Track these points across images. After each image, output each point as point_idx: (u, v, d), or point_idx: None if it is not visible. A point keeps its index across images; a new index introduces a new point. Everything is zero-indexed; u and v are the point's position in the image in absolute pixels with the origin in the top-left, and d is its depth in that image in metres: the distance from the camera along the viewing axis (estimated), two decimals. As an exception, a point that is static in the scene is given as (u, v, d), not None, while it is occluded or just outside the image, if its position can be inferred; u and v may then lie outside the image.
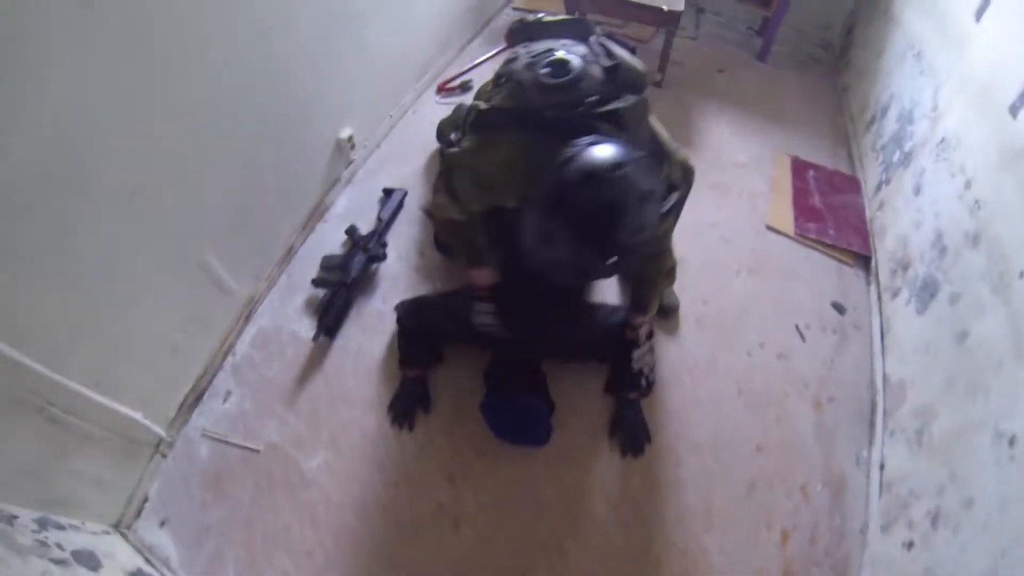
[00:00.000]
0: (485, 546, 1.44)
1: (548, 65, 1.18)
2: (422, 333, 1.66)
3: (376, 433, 1.60)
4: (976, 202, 1.48)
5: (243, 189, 1.63)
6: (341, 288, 1.82)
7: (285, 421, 1.62)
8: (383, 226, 2.01)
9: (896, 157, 2.07)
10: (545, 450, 1.56)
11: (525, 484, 1.53)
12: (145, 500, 1.51)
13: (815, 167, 2.39)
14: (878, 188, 2.18)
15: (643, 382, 1.61)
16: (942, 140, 1.75)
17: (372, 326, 1.81)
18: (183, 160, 1.34)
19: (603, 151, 1.00)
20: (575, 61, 1.18)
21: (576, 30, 1.38)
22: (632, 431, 1.60)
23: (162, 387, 1.54)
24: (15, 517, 1.25)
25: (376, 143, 2.34)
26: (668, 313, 1.87)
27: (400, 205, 2.12)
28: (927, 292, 1.64)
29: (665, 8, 2.36)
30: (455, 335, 1.65)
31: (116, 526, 1.49)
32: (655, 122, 1.29)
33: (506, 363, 1.58)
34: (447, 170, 1.40)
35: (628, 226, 0.97)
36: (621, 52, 1.24)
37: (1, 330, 1.00)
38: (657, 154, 1.21)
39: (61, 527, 1.35)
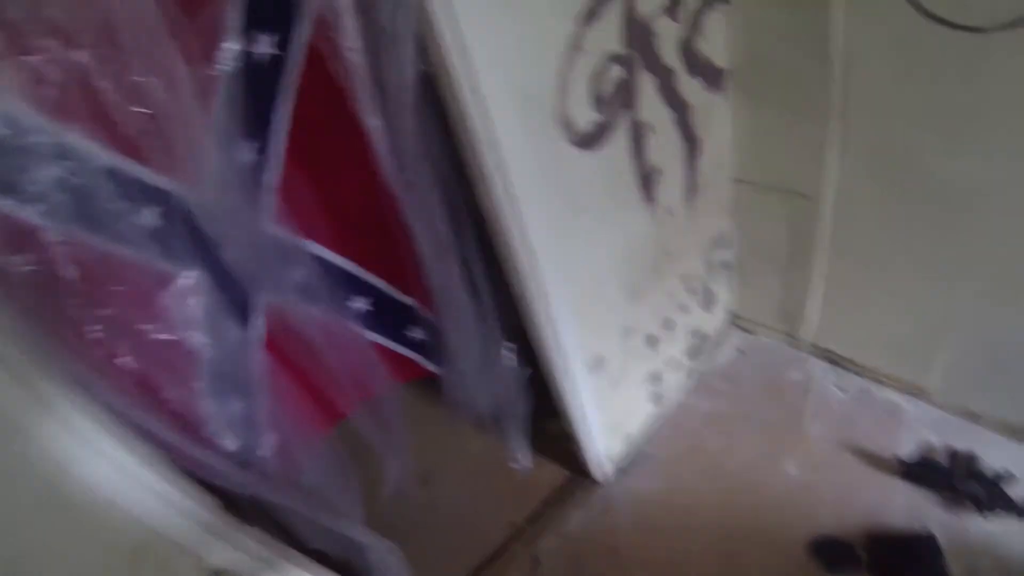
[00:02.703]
0: None
1: None
2: (905, 559, 1.50)
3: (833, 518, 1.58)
4: None
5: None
6: (950, 476, 1.64)
7: (828, 437, 1.73)
8: (1018, 507, 1.60)
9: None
10: None
11: None
12: (751, 332, 2.01)
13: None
14: None
15: None
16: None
17: (912, 513, 1.59)
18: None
19: None
20: None
21: None
22: None
23: (851, 337, 1.84)
24: (728, 243, 1.82)
25: None
26: None
27: None
28: None
29: None
30: None
31: (734, 316, 2.03)
32: None
33: None
34: None
35: None
36: None
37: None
38: None
39: (730, 276, 1.92)
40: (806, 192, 1.54)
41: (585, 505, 1.71)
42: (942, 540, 1.53)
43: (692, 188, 1.56)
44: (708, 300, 1.86)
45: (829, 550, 1.56)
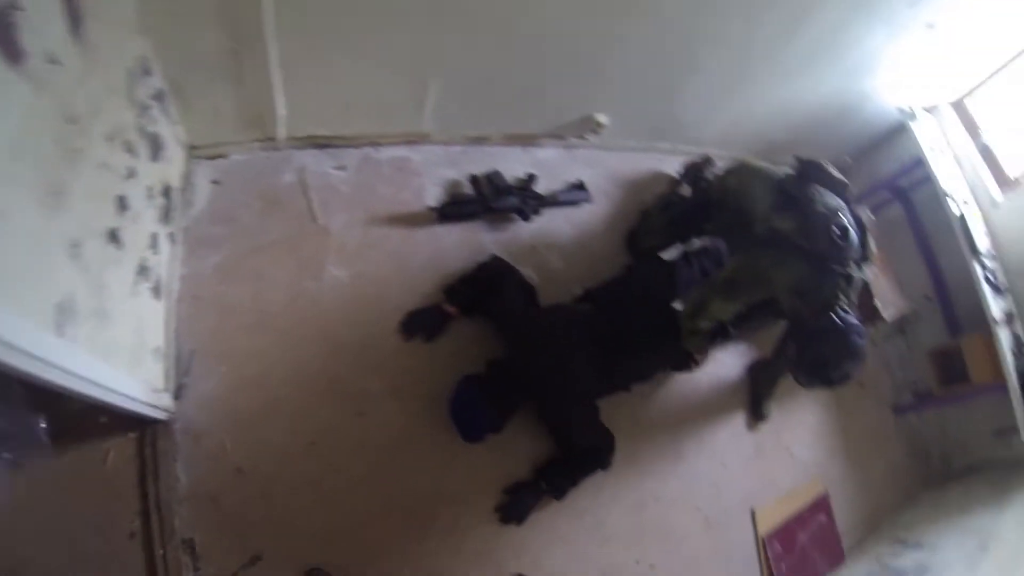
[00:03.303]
0: (354, 448, 1.56)
1: (838, 227, 1.54)
2: (488, 288, 1.75)
3: (389, 307, 1.73)
4: None
5: (504, 64, 1.75)
6: (482, 201, 1.91)
7: (351, 227, 1.75)
8: (550, 201, 2.08)
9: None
10: (460, 448, 1.63)
11: (422, 449, 1.63)
12: (221, 156, 1.68)
13: (830, 517, 2.35)
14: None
15: (564, 487, 1.72)
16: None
17: (468, 248, 1.89)
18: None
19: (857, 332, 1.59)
20: (853, 234, 1.56)
21: (842, 193, 1.67)
22: (518, 505, 1.69)
23: (313, 115, 1.71)
24: (151, 71, 1.40)
25: (612, 147, 2.35)
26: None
27: (575, 203, 2.16)
28: None
29: (877, 305, 2.31)
30: (503, 320, 1.74)
31: (192, 148, 1.66)
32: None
33: (505, 374, 1.66)
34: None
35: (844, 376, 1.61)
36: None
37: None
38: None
39: (166, 108, 1.49)
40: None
41: (172, 449, 1.45)
42: (506, 255, 1.85)
43: (77, 15, 1.07)
44: (155, 147, 1.46)
45: (420, 321, 1.71)
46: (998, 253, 2.50)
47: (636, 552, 1.86)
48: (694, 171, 2.33)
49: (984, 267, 2.40)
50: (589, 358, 1.69)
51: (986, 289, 2.37)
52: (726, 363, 2.28)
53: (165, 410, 1.43)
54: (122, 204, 1.28)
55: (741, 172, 1.80)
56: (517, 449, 1.76)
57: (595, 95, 2.07)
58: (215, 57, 1.43)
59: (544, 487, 1.72)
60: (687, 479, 2.04)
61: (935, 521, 2.38)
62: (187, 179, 1.64)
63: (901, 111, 2.55)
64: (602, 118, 2.13)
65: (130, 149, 1.32)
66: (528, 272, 1.96)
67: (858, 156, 2.88)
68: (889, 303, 2.35)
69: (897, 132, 2.67)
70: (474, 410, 1.60)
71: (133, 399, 1.27)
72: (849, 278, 1.59)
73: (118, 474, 1.42)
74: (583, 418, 1.71)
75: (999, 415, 2.53)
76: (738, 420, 2.26)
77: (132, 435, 1.44)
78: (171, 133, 1.54)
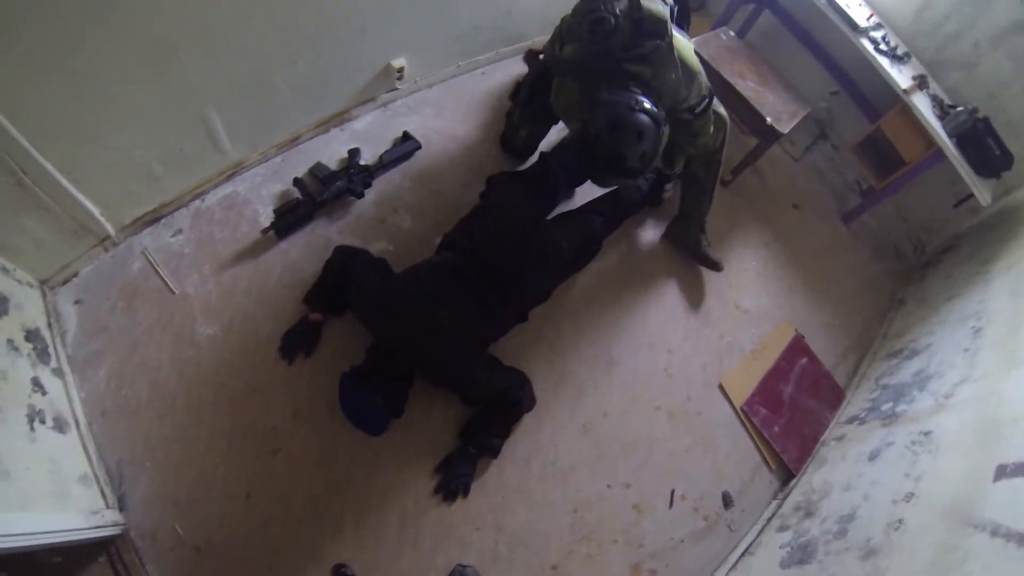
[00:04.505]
0: (285, 483, 1.53)
1: (591, 24, 1.44)
2: (340, 282, 1.64)
3: (263, 339, 1.67)
4: (900, 522, 1.32)
5: (270, 62, 1.66)
6: (310, 201, 1.83)
7: (205, 283, 1.73)
8: (378, 166, 1.96)
9: (886, 407, 1.86)
10: (379, 442, 1.56)
11: (345, 458, 1.57)
12: (74, 276, 1.67)
13: (811, 357, 2.18)
14: (850, 420, 1.99)
15: (493, 443, 1.61)
16: (928, 433, 1.55)
17: (316, 250, 1.82)
18: (218, 11, 1.42)
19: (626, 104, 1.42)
20: (608, 20, 1.42)
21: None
22: (455, 479, 1.59)
23: (127, 199, 1.67)
24: None
25: (428, 84, 2.21)
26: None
27: (407, 156, 2.02)
28: (802, 554, 1.51)
29: (768, 121, 2.09)
30: (358, 304, 1.61)
31: (43, 283, 1.67)
32: (684, 53, 1.52)
33: (380, 357, 1.53)
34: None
35: (633, 157, 1.43)
36: (648, 5, 1.43)
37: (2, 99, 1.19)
38: (688, 77, 1.53)
39: None
40: None
41: (136, 556, 1.45)
42: (355, 240, 1.83)
43: None
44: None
45: (294, 340, 1.66)
46: (883, 20, 2.25)
47: (604, 477, 1.74)
48: (532, 55, 2.22)
49: (873, 41, 2.16)
50: (461, 306, 1.54)
51: (883, 61, 2.14)
52: (624, 247, 2.12)
53: (115, 524, 1.45)
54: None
55: (562, 23, 1.66)
56: (433, 419, 1.66)
57: (379, 44, 1.91)
58: (5, 197, 1.39)
59: (473, 451, 1.60)
60: (631, 382, 1.89)
61: (924, 319, 2.19)
62: (52, 311, 1.64)
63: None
64: (398, 62, 1.98)
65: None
66: (382, 246, 1.85)
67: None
68: (782, 115, 2.12)
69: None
70: (362, 404, 1.49)
71: (71, 531, 1.32)
72: (625, 73, 1.47)
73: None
74: (480, 371, 1.56)
75: (952, 184, 2.33)
76: (667, 299, 2.09)
77: (102, 559, 1.46)
78: (12, 282, 1.56)
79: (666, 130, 1.49)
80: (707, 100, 1.63)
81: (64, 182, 1.45)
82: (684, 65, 1.51)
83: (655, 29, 1.43)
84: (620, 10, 1.42)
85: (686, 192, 2.01)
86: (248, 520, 1.49)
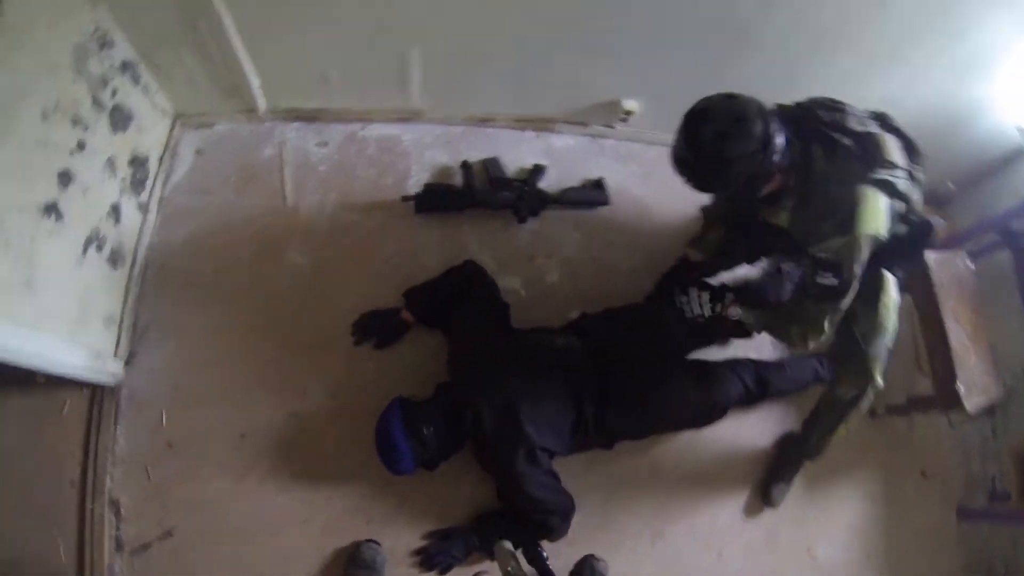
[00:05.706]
0: (283, 449, 1.48)
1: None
2: (454, 299, 1.53)
3: (346, 302, 1.59)
4: None
5: (499, 32, 1.54)
6: (468, 193, 1.68)
7: (322, 211, 1.64)
8: (556, 199, 1.76)
9: None
10: (396, 476, 1.41)
11: (353, 466, 1.48)
12: (210, 126, 1.65)
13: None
14: None
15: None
16: None
17: (447, 248, 1.68)
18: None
19: None
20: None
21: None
22: (442, 554, 1.45)
23: (290, 86, 1.63)
24: (112, 42, 1.41)
25: (651, 141, 1.93)
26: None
27: (589, 205, 1.82)
28: None
29: (961, 391, 1.63)
30: (456, 338, 1.51)
31: (177, 117, 1.69)
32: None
33: (446, 405, 1.40)
34: None
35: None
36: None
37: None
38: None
39: (137, 78, 1.52)
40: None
41: (114, 413, 1.50)
42: (492, 261, 1.65)
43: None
44: (120, 119, 1.47)
45: (375, 325, 1.57)
46: None
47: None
48: None
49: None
50: (555, 408, 1.38)
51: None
52: (746, 428, 1.76)
53: (113, 375, 1.46)
54: (65, 178, 1.30)
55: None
56: (462, 487, 1.52)
57: (621, 75, 1.72)
58: (175, 26, 1.42)
59: (476, 542, 1.45)
60: (670, 563, 1.62)
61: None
62: (171, 148, 1.65)
63: (1022, 132, 2.01)
64: (630, 104, 1.78)
65: (79, 122, 1.35)
66: (514, 286, 1.68)
67: (964, 183, 2.29)
68: (974, 387, 1.68)
69: (1016, 159, 2.08)
70: (395, 441, 1.34)
71: (66, 364, 1.32)
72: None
73: (71, 424, 1.49)
74: (535, 479, 1.36)
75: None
76: (745, 504, 1.76)
77: (85, 391, 1.50)
78: (147, 103, 1.57)
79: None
80: (840, 298, 1.26)
81: (236, 41, 1.43)
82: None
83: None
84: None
85: (812, 412, 1.66)
86: (231, 457, 1.45)
